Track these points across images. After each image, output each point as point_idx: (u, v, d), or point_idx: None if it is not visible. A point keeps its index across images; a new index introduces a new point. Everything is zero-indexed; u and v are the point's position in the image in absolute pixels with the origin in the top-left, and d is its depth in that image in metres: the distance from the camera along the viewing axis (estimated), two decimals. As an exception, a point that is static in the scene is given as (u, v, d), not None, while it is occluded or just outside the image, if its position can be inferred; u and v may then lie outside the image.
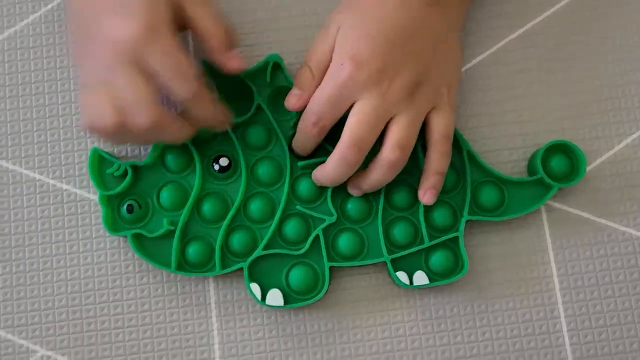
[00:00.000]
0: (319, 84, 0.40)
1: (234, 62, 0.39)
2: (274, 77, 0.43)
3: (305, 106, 0.40)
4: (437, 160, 0.40)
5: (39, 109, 0.45)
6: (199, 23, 0.38)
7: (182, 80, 0.37)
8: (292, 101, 0.41)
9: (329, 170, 0.40)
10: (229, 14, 0.45)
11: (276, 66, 0.43)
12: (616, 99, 0.44)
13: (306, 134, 0.40)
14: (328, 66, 0.40)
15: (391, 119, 0.39)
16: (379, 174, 0.39)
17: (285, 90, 0.43)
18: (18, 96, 0.45)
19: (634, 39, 0.45)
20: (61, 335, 0.42)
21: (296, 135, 0.41)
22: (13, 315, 0.42)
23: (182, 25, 0.38)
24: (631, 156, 0.44)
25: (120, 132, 0.37)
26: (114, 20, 0.37)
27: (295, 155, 0.43)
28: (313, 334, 0.42)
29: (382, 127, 0.38)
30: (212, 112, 0.40)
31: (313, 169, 0.42)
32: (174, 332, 0.42)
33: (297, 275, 0.41)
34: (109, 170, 0.42)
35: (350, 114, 0.38)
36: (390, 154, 0.38)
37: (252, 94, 0.43)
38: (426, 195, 0.40)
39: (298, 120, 0.42)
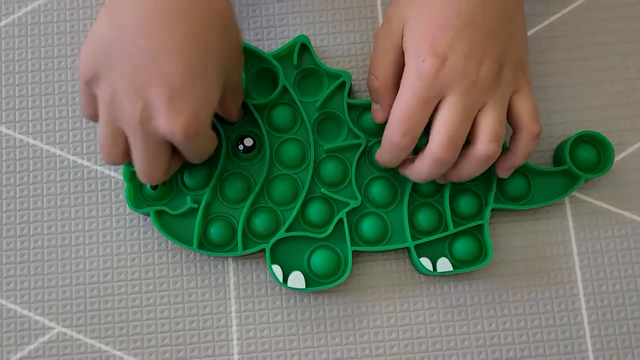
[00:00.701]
0: (393, 90, 0.38)
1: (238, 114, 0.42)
2: (301, 59, 0.43)
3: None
4: (527, 143, 0.38)
5: (60, 84, 0.44)
6: (231, 115, 0.41)
7: (195, 160, 0.39)
8: (377, 115, 0.40)
9: (423, 171, 0.38)
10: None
11: (304, 47, 0.43)
12: (642, 92, 0.44)
13: (395, 147, 0.38)
14: (397, 69, 0.38)
15: (480, 109, 0.37)
16: (473, 168, 0.38)
17: (311, 72, 0.43)
18: (40, 70, 0.44)
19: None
20: (78, 312, 0.42)
21: (381, 150, 0.39)
22: (30, 291, 0.42)
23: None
24: (656, 150, 0.44)
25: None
26: (163, 110, 0.34)
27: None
28: (332, 319, 0.42)
29: (472, 120, 0.37)
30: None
31: (337, 152, 0.42)
32: (192, 313, 0.42)
33: (319, 259, 0.41)
34: None
35: (437, 115, 0.36)
36: (486, 148, 0.36)
37: (278, 74, 0.42)
38: (506, 172, 0.39)
39: (324, 102, 0.42)
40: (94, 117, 0.37)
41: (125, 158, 0.37)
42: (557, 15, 0.45)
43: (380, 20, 0.45)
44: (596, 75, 0.44)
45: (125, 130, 0.36)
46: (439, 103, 0.36)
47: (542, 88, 0.44)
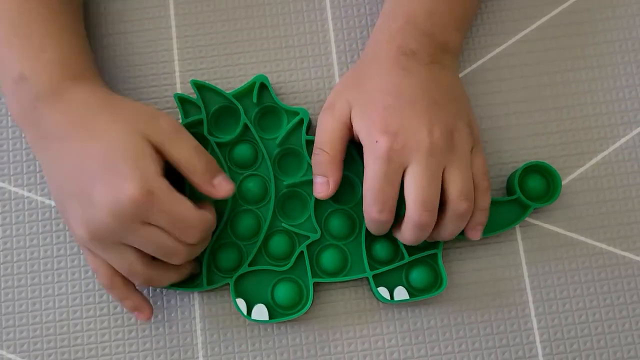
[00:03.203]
0: (341, 164, 0.41)
1: (221, 190, 0.40)
2: (260, 97, 0.44)
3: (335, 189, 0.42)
4: (480, 198, 0.41)
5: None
6: (180, 163, 0.39)
7: (185, 232, 0.38)
8: (319, 190, 0.42)
9: (407, 237, 0.40)
10: (215, 35, 0.47)
11: (263, 86, 0.44)
12: (587, 117, 0.46)
13: (376, 223, 0.40)
14: (343, 145, 0.41)
15: (444, 170, 0.39)
16: (453, 225, 0.40)
17: (270, 109, 0.44)
18: (6, 115, 0.46)
19: (605, 60, 0.47)
20: (49, 349, 0.43)
21: (371, 228, 0.41)
22: (1, 330, 0.43)
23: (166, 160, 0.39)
24: (601, 173, 0.46)
25: (155, 281, 0.40)
26: (107, 186, 0.36)
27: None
28: (295, 347, 0.43)
29: (440, 179, 0.39)
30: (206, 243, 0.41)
31: (297, 187, 0.44)
32: (159, 346, 0.43)
33: (282, 291, 0.43)
34: None
35: (405, 183, 0.39)
36: (459, 206, 0.39)
37: (239, 113, 0.44)
38: (475, 232, 0.41)
39: (283, 138, 0.44)
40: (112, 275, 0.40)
41: (151, 266, 0.40)
42: (502, 47, 0.47)
43: (334, 56, 0.47)
44: (537, 105, 0.46)
45: (122, 240, 0.38)
46: (405, 173, 0.39)
47: (490, 117, 0.46)
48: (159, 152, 0.38)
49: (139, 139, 0.37)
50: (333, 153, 0.41)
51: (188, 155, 0.39)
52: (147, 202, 0.36)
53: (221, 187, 0.40)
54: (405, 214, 0.39)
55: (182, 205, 0.37)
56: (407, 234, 0.40)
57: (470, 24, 0.46)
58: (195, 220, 0.38)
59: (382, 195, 0.39)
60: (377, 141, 0.39)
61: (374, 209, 0.39)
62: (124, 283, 0.40)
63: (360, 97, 0.41)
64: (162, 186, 0.37)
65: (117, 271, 0.40)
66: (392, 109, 0.40)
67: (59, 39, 0.41)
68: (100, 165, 0.37)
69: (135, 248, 0.38)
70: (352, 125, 0.41)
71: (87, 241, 0.38)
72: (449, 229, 0.40)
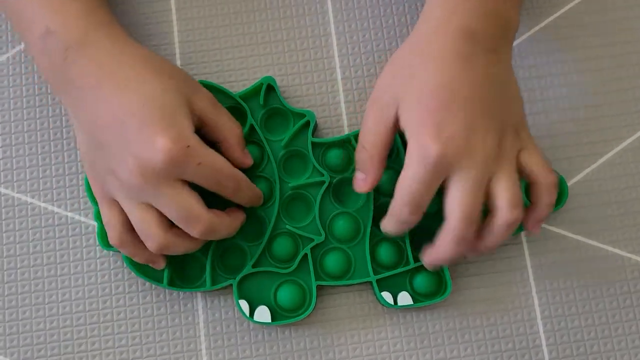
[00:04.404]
0: (381, 163, 0.39)
1: (248, 159, 0.42)
2: (267, 99, 0.44)
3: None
4: (546, 195, 0.39)
5: (30, 134, 0.46)
6: (223, 127, 0.40)
7: (223, 184, 0.39)
8: (357, 185, 0.40)
9: (447, 253, 0.38)
10: (221, 38, 0.47)
11: (270, 88, 0.44)
12: (590, 119, 0.46)
13: (402, 223, 0.38)
14: (387, 142, 0.39)
15: (490, 179, 0.37)
16: (499, 236, 0.37)
17: (277, 111, 0.44)
18: (10, 121, 0.46)
19: (608, 62, 0.47)
20: (52, 356, 0.43)
21: (388, 221, 0.39)
22: (5, 337, 0.43)
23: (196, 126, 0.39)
24: (606, 175, 0.45)
25: (169, 248, 0.39)
26: (143, 138, 0.36)
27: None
28: (299, 352, 0.43)
29: (484, 192, 0.37)
30: (253, 192, 0.41)
31: (302, 189, 0.43)
32: (163, 352, 0.43)
33: (285, 293, 0.42)
34: None
35: (448, 193, 0.37)
36: (510, 216, 0.36)
37: (245, 114, 0.44)
38: (537, 227, 0.40)
39: (289, 140, 0.44)
40: (122, 225, 0.40)
41: (170, 231, 0.38)
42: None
43: (337, 59, 0.47)
44: (543, 106, 0.46)
45: (144, 199, 0.38)
46: (449, 181, 0.37)
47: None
48: (200, 118, 0.39)
49: (179, 97, 0.38)
50: (373, 152, 0.39)
51: (229, 122, 0.41)
52: (184, 156, 0.36)
53: (248, 156, 0.42)
54: (446, 227, 0.37)
55: (218, 157, 0.38)
56: (444, 249, 0.37)
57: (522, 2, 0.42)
58: (231, 171, 0.39)
59: (419, 199, 0.37)
60: (426, 147, 0.36)
61: (406, 209, 0.37)
62: (134, 241, 0.40)
63: (410, 91, 0.37)
64: (198, 141, 0.37)
65: (128, 229, 0.39)
66: (445, 110, 0.36)
67: None
68: (137, 116, 0.37)
69: (158, 211, 0.38)
70: (397, 121, 0.38)
71: (115, 190, 0.38)
72: (494, 240, 0.38)
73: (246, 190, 0.40)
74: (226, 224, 0.40)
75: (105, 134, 0.38)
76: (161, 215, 0.38)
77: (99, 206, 0.40)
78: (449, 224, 0.37)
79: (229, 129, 0.41)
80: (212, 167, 0.38)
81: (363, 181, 0.40)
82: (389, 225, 0.40)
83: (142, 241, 0.39)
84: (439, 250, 0.38)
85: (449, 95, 0.37)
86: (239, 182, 0.39)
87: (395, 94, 0.38)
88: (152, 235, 0.38)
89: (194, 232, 0.38)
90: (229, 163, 0.39)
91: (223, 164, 0.38)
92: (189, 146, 0.36)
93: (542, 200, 0.39)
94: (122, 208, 0.39)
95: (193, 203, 0.37)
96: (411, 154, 0.37)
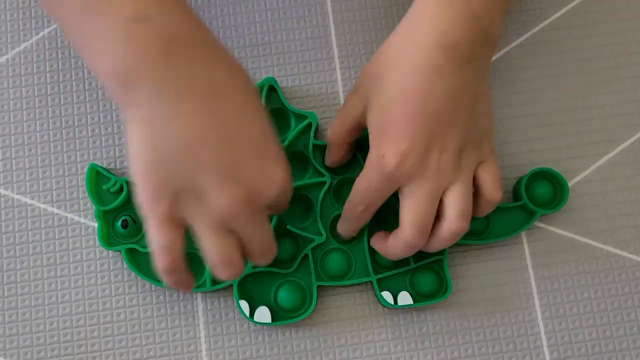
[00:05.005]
0: (338, 149, 0.42)
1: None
2: (269, 99, 0.44)
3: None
4: (484, 208, 0.39)
5: (30, 135, 0.46)
6: None
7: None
8: (326, 159, 0.43)
9: (394, 252, 0.39)
10: (225, 39, 0.47)
11: (271, 89, 0.44)
12: (591, 120, 0.46)
13: (354, 218, 0.40)
14: (349, 135, 0.41)
15: (444, 190, 0.37)
16: (442, 242, 0.38)
17: (279, 112, 0.44)
18: (10, 122, 0.46)
19: (609, 62, 0.47)
20: (52, 358, 0.43)
21: (342, 222, 0.41)
22: (5, 338, 0.43)
23: None
24: (606, 175, 0.45)
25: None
26: (260, 164, 0.33)
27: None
28: (300, 353, 0.43)
29: (438, 202, 0.37)
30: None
31: (303, 190, 0.43)
32: (163, 353, 0.43)
33: (285, 294, 0.42)
34: (105, 186, 0.43)
35: (402, 200, 0.37)
36: (455, 225, 0.37)
37: None
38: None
39: (291, 141, 0.44)
40: (178, 248, 0.34)
41: (243, 261, 0.35)
42: (504, 50, 0.47)
43: (337, 61, 0.47)
44: (544, 107, 0.46)
45: (232, 226, 0.34)
46: (402, 190, 0.37)
47: (494, 119, 0.46)
48: None
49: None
50: (333, 139, 0.41)
51: None
52: (289, 190, 0.35)
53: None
54: (398, 232, 0.38)
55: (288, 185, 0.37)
56: (395, 250, 0.39)
57: (511, 8, 0.41)
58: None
59: (371, 200, 0.39)
60: (384, 156, 0.36)
61: (359, 206, 0.39)
62: (186, 267, 0.35)
63: (377, 96, 0.37)
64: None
65: (184, 254, 0.34)
66: (407, 120, 0.36)
67: None
68: (254, 141, 0.33)
69: (239, 239, 0.34)
70: (363, 119, 0.39)
71: (193, 212, 0.33)
72: (438, 245, 0.39)
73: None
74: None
75: (199, 152, 0.32)
76: (241, 243, 0.35)
77: (150, 226, 0.33)
78: (401, 231, 0.38)
79: None
80: (289, 198, 0.37)
81: (328, 158, 0.43)
82: (344, 222, 0.41)
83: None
84: (389, 248, 0.39)
85: (412, 106, 0.36)
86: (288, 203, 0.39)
87: (365, 92, 0.39)
88: (234, 265, 0.34)
89: (264, 263, 0.37)
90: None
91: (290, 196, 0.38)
92: (290, 177, 0.35)
93: (478, 211, 0.39)
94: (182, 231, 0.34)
95: (272, 236, 0.36)
96: (370, 158, 0.38)
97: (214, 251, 0.34)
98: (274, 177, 0.33)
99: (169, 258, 0.34)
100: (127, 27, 0.31)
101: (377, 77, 0.38)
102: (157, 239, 0.33)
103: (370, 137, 0.38)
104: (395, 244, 0.39)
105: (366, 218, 0.40)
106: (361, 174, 0.39)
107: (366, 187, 0.38)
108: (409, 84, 0.36)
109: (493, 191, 0.39)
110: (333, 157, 0.43)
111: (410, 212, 0.37)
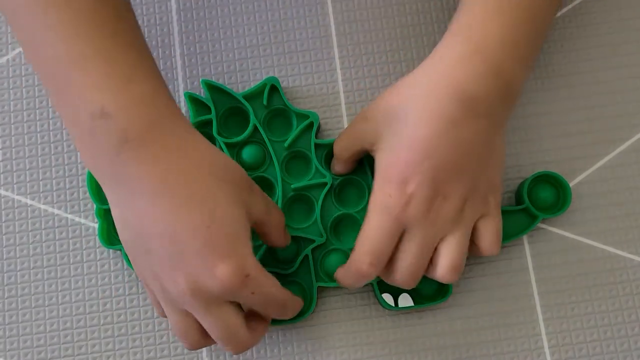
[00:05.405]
0: (344, 165, 0.42)
1: (287, 241, 0.41)
2: (270, 99, 0.44)
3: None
4: (479, 256, 0.40)
5: (30, 135, 0.46)
6: (267, 223, 0.38)
7: (270, 309, 0.37)
8: (333, 167, 0.44)
9: (396, 283, 0.38)
10: (227, 39, 0.47)
11: (273, 89, 0.44)
12: (592, 120, 0.46)
13: (360, 276, 0.38)
14: (354, 156, 0.41)
15: (441, 238, 0.37)
16: (433, 280, 0.39)
17: (280, 112, 0.44)
18: (10, 123, 0.46)
19: (610, 63, 0.47)
20: (53, 359, 0.43)
21: (345, 273, 0.39)
22: (5, 339, 0.43)
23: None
24: (608, 176, 0.45)
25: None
26: (203, 261, 0.33)
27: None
28: (300, 354, 0.43)
29: (433, 250, 0.38)
30: (294, 310, 0.39)
31: (304, 191, 0.43)
32: (163, 354, 0.43)
33: (285, 295, 0.42)
34: None
35: (401, 242, 0.37)
36: (446, 277, 0.37)
37: (248, 114, 0.44)
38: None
39: (292, 141, 0.43)
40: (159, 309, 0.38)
41: (207, 338, 0.36)
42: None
43: (337, 61, 0.47)
44: (546, 107, 0.46)
45: (189, 310, 0.35)
46: (404, 233, 0.37)
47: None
48: (254, 222, 0.37)
49: (241, 212, 0.35)
50: (339, 156, 0.42)
51: (276, 215, 0.39)
52: (241, 286, 0.34)
53: (288, 238, 0.41)
54: (391, 273, 0.38)
55: (272, 285, 0.36)
56: (389, 282, 0.39)
57: (534, 63, 0.40)
58: (281, 298, 0.37)
59: (380, 250, 0.37)
60: (390, 195, 0.36)
61: (366, 259, 0.37)
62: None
63: (389, 136, 0.37)
64: (258, 267, 0.35)
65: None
66: (415, 166, 0.36)
67: (147, 65, 0.35)
68: (199, 236, 0.33)
69: (198, 325, 0.36)
70: (372, 150, 0.39)
71: (157, 292, 0.36)
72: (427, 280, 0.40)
73: (289, 311, 0.38)
74: (258, 340, 0.37)
75: (155, 242, 0.34)
76: (200, 326, 0.36)
77: (143, 282, 0.37)
78: (393, 272, 0.38)
79: (275, 224, 0.39)
80: (265, 296, 0.35)
81: (334, 167, 0.43)
82: (347, 277, 0.39)
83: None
84: (392, 279, 0.39)
85: (422, 154, 0.36)
86: (285, 306, 0.37)
87: (376, 126, 0.38)
88: (190, 340, 0.36)
89: (231, 351, 0.36)
90: (281, 288, 0.37)
91: (275, 292, 0.36)
92: (247, 275, 0.34)
93: (473, 254, 0.40)
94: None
95: (238, 326, 0.35)
96: (375, 199, 0.37)
97: (172, 324, 0.36)
98: (217, 274, 0.33)
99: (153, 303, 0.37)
100: (91, 123, 0.33)
101: (391, 115, 0.38)
102: (147, 291, 0.38)
103: (376, 177, 0.38)
104: (388, 281, 0.39)
105: (374, 274, 0.37)
106: (366, 221, 0.38)
107: (376, 230, 0.37)
108: (421, 132, 0.36)
109: (490, 247, 0.39)
110: (339, 169, 0.43)
111: (406, 258, 0.37)
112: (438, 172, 0.36)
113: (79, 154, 0.45)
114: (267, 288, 0.36)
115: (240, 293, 0.34)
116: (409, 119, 0.37)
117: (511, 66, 0.37)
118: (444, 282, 0.38)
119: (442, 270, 0.37)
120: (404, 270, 0.37)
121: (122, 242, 0.36)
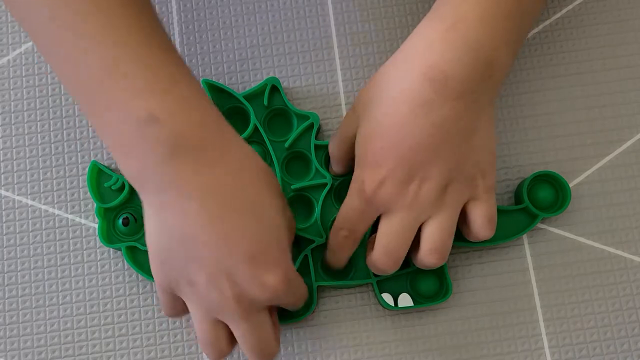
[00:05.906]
0: (339, 161, 0.42)
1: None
2: (271, 99, 0.44)
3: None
4: (470, 239, 0.40)
5: (31, 136, 0.46)
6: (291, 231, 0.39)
7: (301, 304, 0.39)
8: (331, 168, 0.44)
9: (372, 268, 0.40)
10: (228, 39, 0.47)
11: (274, 89, 0.44)
12: (593, 120, 0.46)
13: (338, 246, 0.40)
14: (347, 149, 0.41)
15: (424, 222, 0.37)
16: (421, 267, 0.39)
17: (281, 112, 0.44)
18: (11, 124, 0.46)
19: (610, 63, 0.47)
20: (53, 359, 0.43)
21: (329, 251, 0.41)
22: (5, 340, 0.43)
23: None
24: (608, 176, 0.45)
25: None
26: (252, 269, 0.33)
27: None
28: (300, 354, 0.43)
29: (414, 234, 0.37)
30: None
31: (304, 191, 0.43)
32: (164, 355, 0.43)
33: (285, 296, 0.42)
34: (107, 184, 0.43)
35: (380, 224, 0.38)
36: (426, 259, 0.38)
37: (249, 114, 0.44)
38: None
39: (292, 142, 0.43)
40: (180, 314, 0.37)
41: (231, 346, 0.36)
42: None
43: (337, 60, 0.47)
44: (546, 107, 0.46)
45: (223, 319, 0.35)
46: (381, 217, 0.38)
47: (495, 120, 0.46)
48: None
49: (284, 218, 0.35)
50: (332, 152, 0.42)
51: (293, 221, 0.40)
52: (284, 294, 0.35)
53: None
54: (371, 256, 0.39)
55: (304, 287, 0.38)
56: (371, 267, 0.40)
57: (522, 42, 0.39)
58: (304, 297, 0.38)
59: (354, 226, 0.39)
60: (363, 181, 0.37)
61: (341, 232, 0.39)
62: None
63: (364, 122, 0.38)
64: (295, 271, 0.36)
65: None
66: (386, 151, 0.36)
67: (183, 66, 0.34)
68: (248, 243, 0.33)
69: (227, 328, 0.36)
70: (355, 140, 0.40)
71: (187, 296, 0.35)
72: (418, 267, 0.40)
73: (300, 302, 0.39)
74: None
75: (201, 248, 0.33)
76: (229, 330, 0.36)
77: (158, 292, 0.36)
78: (373, 255, 0.38)
79: (293, 229, 0.40)
80: (300, 296, 0.37)
81: (333, 167, 0.44)
82: (329, 253, 0.41)
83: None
84: (369, 264, 0.40)
85: (391, 139, 0.36)
86: (301, 300, 0.38)
87: (357, 116, 0.39)
88: (218, 349, 0.36)
89: (257, 359, 0.36)
90: (306, 288, 0.38)
91: (305, 291, 0.38)
92: (290, 280, 0.35)
93: (465, 236, 0.40)
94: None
95: (270, 334, 0.36)
96: (352, 183, 0.39)
97: (200, 332, 0.36)
98: (266, 283, 0.34)
99: (163, 307, 0.37)
100: (138, 129, 0.32)
101: (368, 103, 0.38)
102: (164, 308, 0.37)
103: (356, 161, 0.39)
104: (368, 263, 0.40)
105: (350, 246, 0.40)
106: (345, 200, 0.39)
107: (348, 211, 0.39)
108: (393, 117, 0.36)
109: (480, 230, 0.38)
110: (336, 169, 0.43)
111: (383, 238, 0.38)
112: (413, 154, 0.36)
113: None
114: (302, 289, 0.37)
115: (283, 298, 0.35)
116: (382, 103, 0.37)
117: (491, 44, 0.35)
118: (426, 266, 0.38)
119: (422, 252, 0.38)
120: (380, 249, 0.38)
121: (153, 252, 0.34)
